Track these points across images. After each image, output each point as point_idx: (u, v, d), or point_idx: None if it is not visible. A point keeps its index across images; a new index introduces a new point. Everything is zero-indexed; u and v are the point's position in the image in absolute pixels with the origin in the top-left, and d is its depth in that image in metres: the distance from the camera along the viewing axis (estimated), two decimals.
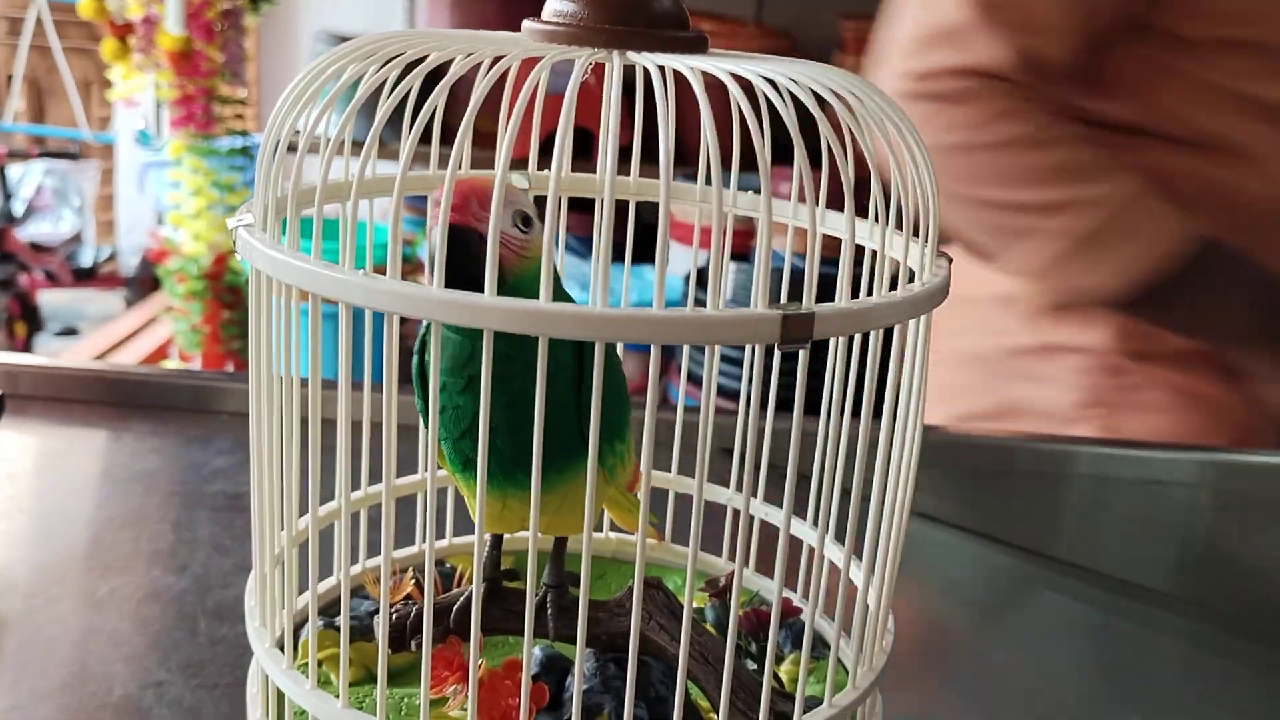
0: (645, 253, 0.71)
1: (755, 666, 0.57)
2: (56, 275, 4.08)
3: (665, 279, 0.41)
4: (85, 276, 4.17)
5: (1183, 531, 1.14)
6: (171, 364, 2.80)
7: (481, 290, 0.39)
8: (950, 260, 0.48)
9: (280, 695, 0.51)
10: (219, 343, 2.62)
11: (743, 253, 2.39)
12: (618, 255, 0.64)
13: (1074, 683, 0.81)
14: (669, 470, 0.70)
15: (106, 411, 1.08)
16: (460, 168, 0.42)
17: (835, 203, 0.50)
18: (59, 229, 4.18)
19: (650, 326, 0.38)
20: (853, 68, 2.03)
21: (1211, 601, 1.07)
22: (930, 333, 0.48)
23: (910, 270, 0.48)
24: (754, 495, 0.66)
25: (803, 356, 0.39)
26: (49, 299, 4.08)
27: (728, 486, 0.68)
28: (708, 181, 0.60)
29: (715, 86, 0.42)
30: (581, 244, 2.52)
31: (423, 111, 0.41)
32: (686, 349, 0.68)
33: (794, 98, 0.44)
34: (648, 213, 0.62)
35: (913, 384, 0.48)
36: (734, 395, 1.91)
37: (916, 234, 0.49)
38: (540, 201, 0.46)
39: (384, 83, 0.45)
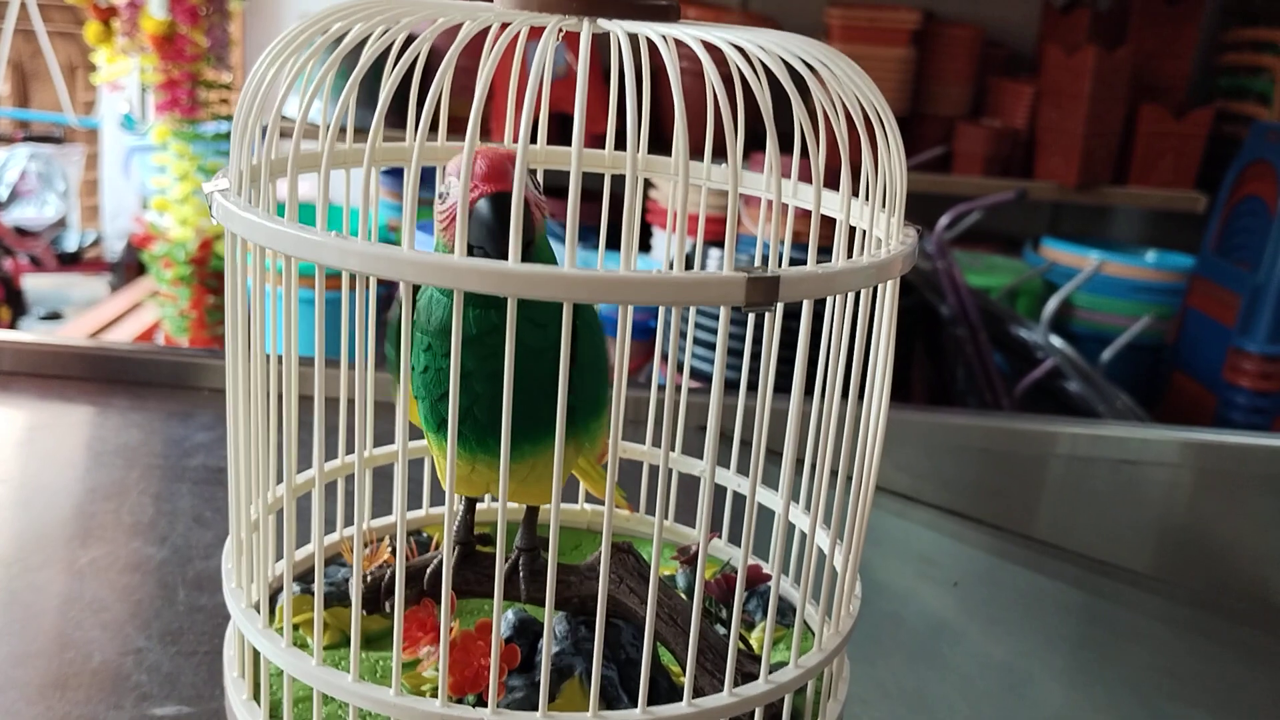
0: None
1: (726, 631, 0.58)
2: (41, 260, 4.07)
3: (647, 265, 0.41)
4: (70, 261, 4.15)
5: (1160, 511, 1.15)
6: None
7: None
8: (919, 231, 0.49)
9: (256, 655, 0.52)
10: (205, 328, 2.62)
11: (716, 240, 2.40)
12: (598, 242, 0.65)
13: (1052, 661, 0.82)
14: (644, 444, 0.71)
15: (89, 387, 1.09)
16: (431, 135, 0.43)
17: (810, 177, 0.51)
18: (43, 214, 4.16)
19: (621, 287, 0.39)
20: None
21: (1188, 581, 1.08)
22: (897, 299, 0.49)
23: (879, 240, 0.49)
24: (725, 467, 0.67)
25: (769, 320, 0.40)
26: (33, 284, 4.07)
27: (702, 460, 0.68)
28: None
29: (693, 74, 0.42)
30: (563, 229, 2.52)
31: (401, 61, 0.41)
32: (672, 334, 0.69)
33: (765, 66, 0.44)
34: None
35: (880, 349, 0.49)
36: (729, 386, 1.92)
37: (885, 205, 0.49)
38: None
39: (364, 41, 0.45)
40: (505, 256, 0.39)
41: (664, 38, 0.42)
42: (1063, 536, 1.07)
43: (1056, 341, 2.42)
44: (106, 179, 4.18)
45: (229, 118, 2.62)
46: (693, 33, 0.43)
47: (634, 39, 0.43)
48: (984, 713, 0.73)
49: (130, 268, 3.78)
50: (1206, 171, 2.66)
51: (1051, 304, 2.46)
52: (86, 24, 2.58)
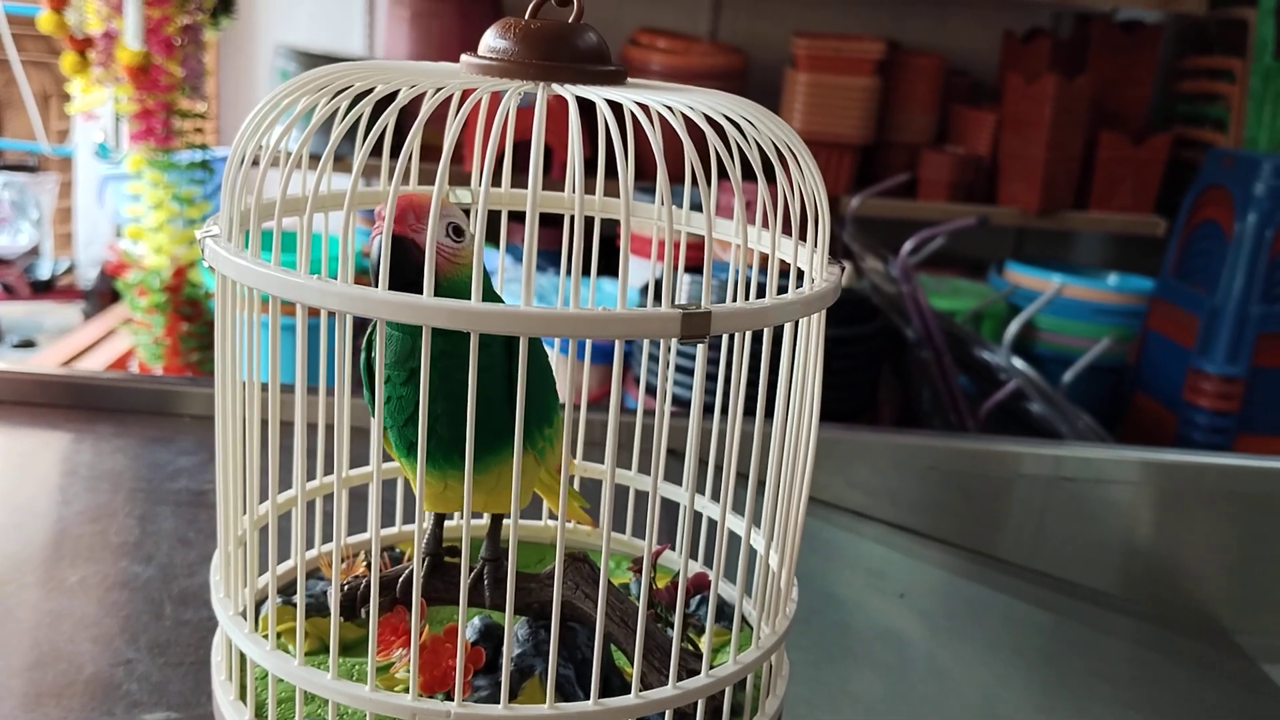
0: (605, 267, 0.76)
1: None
2: (14, 288, 4.08)
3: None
4: (43, 289, 4.17)
5: (1116, 529, 1.19)
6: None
7: (418, 292, 0.45)
8: (842, 267, 0.54)
9: (243, 659, 0.56)
10: (179, 355, 2.65)
11: (697, 265, 2.45)
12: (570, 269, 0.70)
13: (993, 666, 0.87)
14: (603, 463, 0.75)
15: (71, 415, 1.13)
16: (406, 183, 0.48)
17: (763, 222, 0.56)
18: (17, 241, 4.17)
19: (567, 323, 0.44)
20: (805, 83, 2.08)
21: (1139, 595, 1.13)
22: (823, 330, 0.54)
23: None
24: (669, 481, 0.72)
25: (701, 350, 0.45)
26: (6, 311, 4.08)
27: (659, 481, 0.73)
28: (650, 200, 0.66)
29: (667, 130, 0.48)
30: (541, 257, 2.56)
31: (372, 133, 0.46)
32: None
33: (719, 128, 0.50)
34: (606, 227, 0.68)
35: (809, 374, 0.54)
36: (684, 402, 1.97)
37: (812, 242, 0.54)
38: (494, 214, 0.52)
39: (337, 111, 0.51)
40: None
41: (609, 103, 0.47)
42: (1020, 554, 1.12)
43: (1019, 363, 2.47)
44: (80, 207, 4.20)
45: (204, 147, 2.65)
46: (638, 98, 0.49)
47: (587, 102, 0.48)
48: (923, 713, 0.78)
49: (104, 295, 3.79)
50: (1165, 196, 2.72)
51: (1013, 326, 2.52)
52: (62, 54, 2.61)
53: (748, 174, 0.51)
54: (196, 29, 2.65)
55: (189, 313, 2.64)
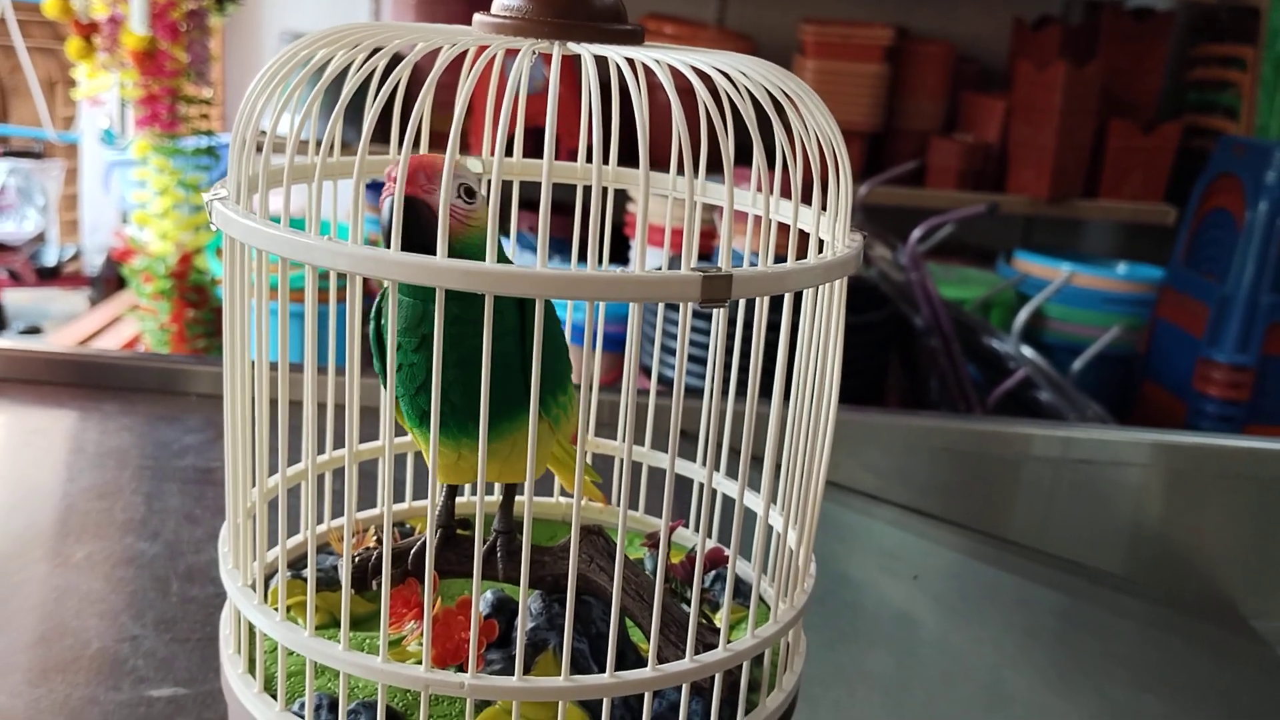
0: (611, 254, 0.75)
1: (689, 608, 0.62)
2: (20, 274, 4.07)
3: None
4: (49, 276, 4.16)
5: (1127, 512, 1.18)
6: None
7: (430, 254, 0.44)
8: (865, 235, 0.53)
9: (252, 630, 0.55)
10: (185, 341, 2.64)
11: (706, 253, 2.44)
12: (571, 251, 0.69)
13: (1007, 648, 0.86)
14: (616, 440, 0.74)
15: (78, 393, 1.12)
16: (417, 148, 0.47)
17: (783, 192, 0.55)
18: (23, 228, 4.17)
19: (585, 284, 0.43)
20: (813, 70, 2.06)
21: (1153, 578, 1.12)
22: (844, 298, 0.53)
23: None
24: (692, 461, 0.71)
25: (722, 316, 0.44)
26: (12, 298, 4.08)
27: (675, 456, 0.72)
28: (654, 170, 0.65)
29: (663, 91, 0.46)
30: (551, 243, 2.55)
31: (384, 88, 0.45)
32: (635, 334, 0.73)
33: (726, 87, 0.48)
34: (614, 215, 0.67)
35: (830, 342, 0.53)
36: (694, 391, 1.96)
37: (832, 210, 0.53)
38: (504, 188, 0.51)
39: (349, 66, 0.49)
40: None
41: (629, 61, 0.46)
42: (1031, 536, 1.11)
43: (1028, 352, 2.46)
44: (86, 193, 4.20)
45: (209, 133, 2.64)
46: (655, 55, 0.47)
47: (601, 61, 0.47)
48: (937, 693, 0.77)
49: (110, 282, 3.79)
50: (1175, 185, 2.71)
51: (1023, 315, 2.50)
52: (67, 40, 2.60)
53: (771, 142, 0.49)
54: (202, 14, 2.65)
55: (195, 299, 2.63)
